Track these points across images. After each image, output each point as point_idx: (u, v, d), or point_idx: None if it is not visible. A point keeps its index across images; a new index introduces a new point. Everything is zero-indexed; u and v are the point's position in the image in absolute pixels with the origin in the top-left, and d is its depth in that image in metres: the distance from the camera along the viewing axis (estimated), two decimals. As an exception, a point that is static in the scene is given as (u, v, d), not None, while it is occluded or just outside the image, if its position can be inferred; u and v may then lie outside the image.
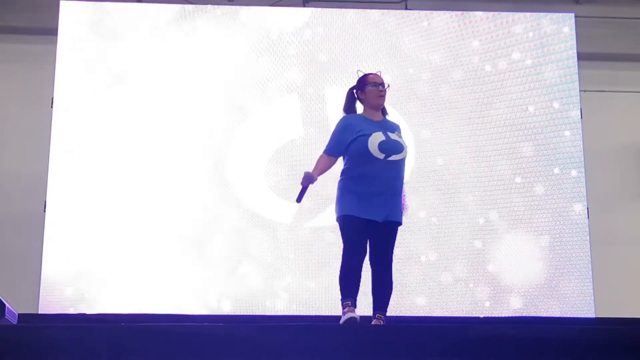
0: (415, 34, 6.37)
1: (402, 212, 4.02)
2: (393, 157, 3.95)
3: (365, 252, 3.93)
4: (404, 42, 6.34)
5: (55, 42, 6.19)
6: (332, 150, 4.06)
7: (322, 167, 4.05)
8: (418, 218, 6.05)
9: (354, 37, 6.34)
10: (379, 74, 4.14)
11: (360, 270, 3.88)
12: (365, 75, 4.13)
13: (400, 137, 4.05)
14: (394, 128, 4.09)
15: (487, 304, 6.00)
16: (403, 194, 4.07)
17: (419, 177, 6.11)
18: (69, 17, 6.24)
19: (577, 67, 6.38)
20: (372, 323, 3.89)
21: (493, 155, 6.22)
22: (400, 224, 4.01)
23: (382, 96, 4.08)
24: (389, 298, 3.97)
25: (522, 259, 6.09)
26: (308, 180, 3.99)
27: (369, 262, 3.96)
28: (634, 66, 7.21)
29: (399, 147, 3.98)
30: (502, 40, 6.40)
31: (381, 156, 3.92)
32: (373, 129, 3.97)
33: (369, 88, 4.07)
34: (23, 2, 6.92)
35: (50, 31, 6.34)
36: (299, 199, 4.05)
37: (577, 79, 6.37)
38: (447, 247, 6.06)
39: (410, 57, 6.31)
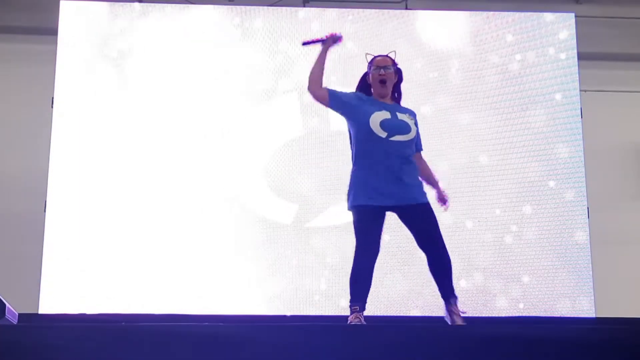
0: (413, 34, 6.36)
1: (423, 193, 3.82)
2: (397, 138, 3.76)
3: (377, 251, 3.73)
4: (400, 44, 6.33)
5: (55, 42, 6.19)
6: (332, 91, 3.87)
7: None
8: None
9: (356, 36, 6.34)
10: (391, 55, 3.94)
11: (371, 271, 3.71)
12: (373, 58, 3.95)
13: (412, 120, 3.84)
14: (406, 111, 3.89)
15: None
16: (439, 185, 3.93)
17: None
18: (69, 17, 6.24)
19: (577, 67, 6.38)
20: (449, 322, 3.70)
21: (490, 154, 6.22)
22: (426, 204, 3.77)
23: (383, 81, 3.86)
24: (451, 277, 3.73)
25: (521, 259, 6.10)
26: (327, 40, 3.90)
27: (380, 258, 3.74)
28: (634, 66, 7.20)
29: (404, 128, 3.79)
30: (501, 41, 6.40)
31: (383, 134, 3.75)
32: (378, 107, 3.81)
33: (371, 71, 3.89)
34: (23, 2, 6.91)
35: (50, 31, 6.34)
36: (305, 42, 3.98)
37: (577, 79, 6.37)
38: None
39: (402, 59, 6.30)
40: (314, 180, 6.11)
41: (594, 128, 6.59)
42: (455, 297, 3.74)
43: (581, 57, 6.42)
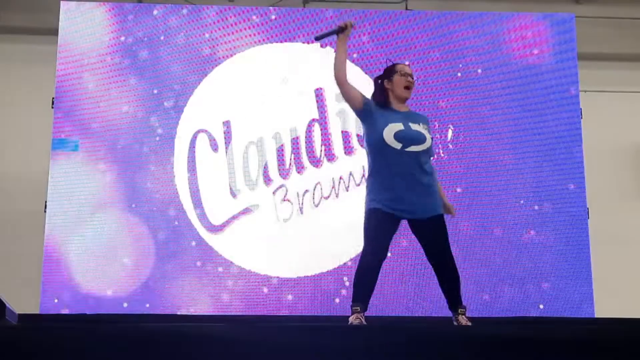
0: (412, 34, 6.36)
1: (439, 204, 3.85)
2: (412, 148, 3.78)
3: (386, 253, 3.77)
4: (400, 45, 6.33)
5: (55, 42, 6.19)
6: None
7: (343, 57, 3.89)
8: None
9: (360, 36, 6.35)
10: (409, 66, 4.05)
11: (377, 271, 3.74)
12: (394, 64, 4.01)
13: (426, 129, 3.87)
14: (419, 119, 3.91)
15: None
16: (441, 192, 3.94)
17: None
18: (69, 17, 6.24)
19: (577, 67, 6.38)
20: (455, 323, 3.74)
21: (489, 155, 6.22)
22: (440, 215, 3.82)
23: (409, 88, 3.93)
24: (459, 288, 3.78)
25: (520, 260, 6.10)
26: (342, 30, 3.88)
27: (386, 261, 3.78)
28: (634, 66, 7.21)
29: (419, 138, 3.81)
30: (501, 41, 6.39)
31: (398, 146, 3.77)
32: (392, 119, 3.82)
33: (396, 77, 3.93)
34: (23, 2, 6.92)
35: (50, 31, 6.34)
36: (318, 37, 3.98)
37: (577, 79, 6.37)
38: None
39: (401, 58, 6.31)
40: (315, 180, 6.11)
41: (594, 128, 6.60)
42: (464, 307, 3.79)
43: (581, 57, 6.42)
